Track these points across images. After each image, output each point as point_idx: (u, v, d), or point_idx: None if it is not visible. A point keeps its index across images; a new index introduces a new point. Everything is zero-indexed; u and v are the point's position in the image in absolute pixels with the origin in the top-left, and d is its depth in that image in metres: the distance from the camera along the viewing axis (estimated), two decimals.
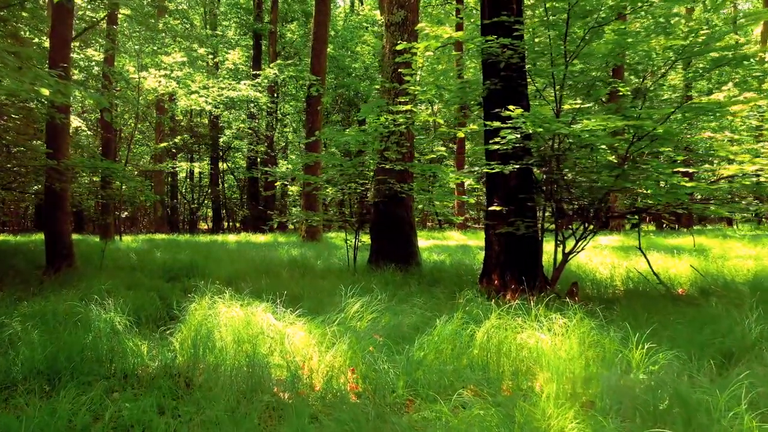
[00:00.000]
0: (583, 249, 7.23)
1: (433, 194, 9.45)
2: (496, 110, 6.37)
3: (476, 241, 20.13)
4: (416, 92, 7.99)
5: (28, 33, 15.08)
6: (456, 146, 26.40)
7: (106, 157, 17.65)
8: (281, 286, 7.54)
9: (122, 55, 24.33)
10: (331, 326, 4.84)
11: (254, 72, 27.58)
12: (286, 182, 12.02)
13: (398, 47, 7.79)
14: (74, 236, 20.63)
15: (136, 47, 21.20)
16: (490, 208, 6.44)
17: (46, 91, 5.14)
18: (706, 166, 8.94)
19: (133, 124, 22.93)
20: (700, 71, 6.22)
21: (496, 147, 6.09)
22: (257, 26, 28.21)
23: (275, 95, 28.65)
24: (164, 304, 6.48)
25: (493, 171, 6.27)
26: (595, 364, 4.04)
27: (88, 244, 15.19)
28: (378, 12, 33.61)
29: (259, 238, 20.81)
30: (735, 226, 29.68)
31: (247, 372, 3.91)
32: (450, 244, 17.37)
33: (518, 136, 5.75)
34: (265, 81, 25.96)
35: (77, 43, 21.56)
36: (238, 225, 32.51)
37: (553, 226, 7.54)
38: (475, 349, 4.31)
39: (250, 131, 27.79)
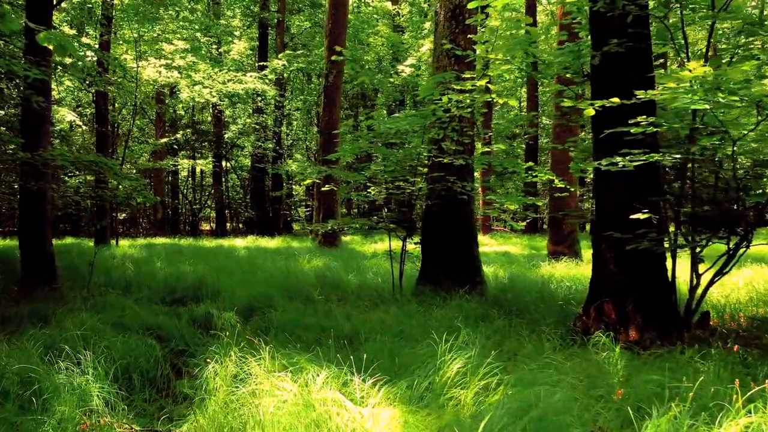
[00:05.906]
0: (730, 270, 5.39)
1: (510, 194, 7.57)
2: (648, 75, 4.50)
3: (510, 246, 18.30)
4: (497, 60, 6.12)
5: (17, 18, 13.28)
6: (482, 141, 24.51)
7: (101, 153, 15.79)
8: (322, 319, 5.70)
9: (120, 44, 22.44)
10: (433, 411, 3.00)
11: (261, 64, 25.64)
12: (318, 179, 10.17)
13: (471, 5, 5.92)
14: (68, 240, 18.79)
15: (134, 35, 19.32)
16: (633, 216, 4.61)
17: None
18: None
19: (130, 119, 21.02)
20: None
21: (640, 130, 4.27)
22: (264, 15, 26.27)
23: (283, 89, 26.74)
24: (167, 351, 4.62)
25: (637, 162, 4.44)
26: None
27: (80, 250, 13.29)
28: (389, 3, 31.67)
29: (270, 242, 18.98)
30: None
31: None
32: (486, 250, 15.48)
33: (707, 107, 3.92)
34: (273, 74, 24.04)
35: (71, 30, 19.73)
36: (241, 226, 30.56)
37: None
38: None
39: (256, 126, 25.82)
